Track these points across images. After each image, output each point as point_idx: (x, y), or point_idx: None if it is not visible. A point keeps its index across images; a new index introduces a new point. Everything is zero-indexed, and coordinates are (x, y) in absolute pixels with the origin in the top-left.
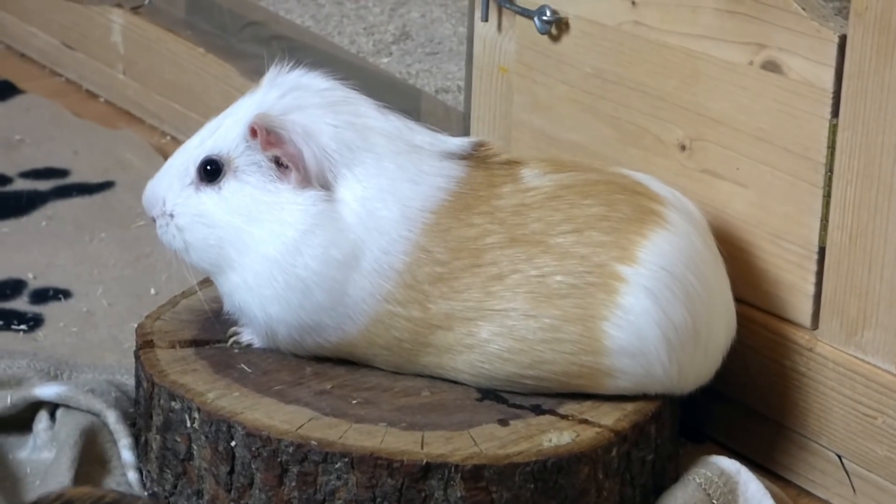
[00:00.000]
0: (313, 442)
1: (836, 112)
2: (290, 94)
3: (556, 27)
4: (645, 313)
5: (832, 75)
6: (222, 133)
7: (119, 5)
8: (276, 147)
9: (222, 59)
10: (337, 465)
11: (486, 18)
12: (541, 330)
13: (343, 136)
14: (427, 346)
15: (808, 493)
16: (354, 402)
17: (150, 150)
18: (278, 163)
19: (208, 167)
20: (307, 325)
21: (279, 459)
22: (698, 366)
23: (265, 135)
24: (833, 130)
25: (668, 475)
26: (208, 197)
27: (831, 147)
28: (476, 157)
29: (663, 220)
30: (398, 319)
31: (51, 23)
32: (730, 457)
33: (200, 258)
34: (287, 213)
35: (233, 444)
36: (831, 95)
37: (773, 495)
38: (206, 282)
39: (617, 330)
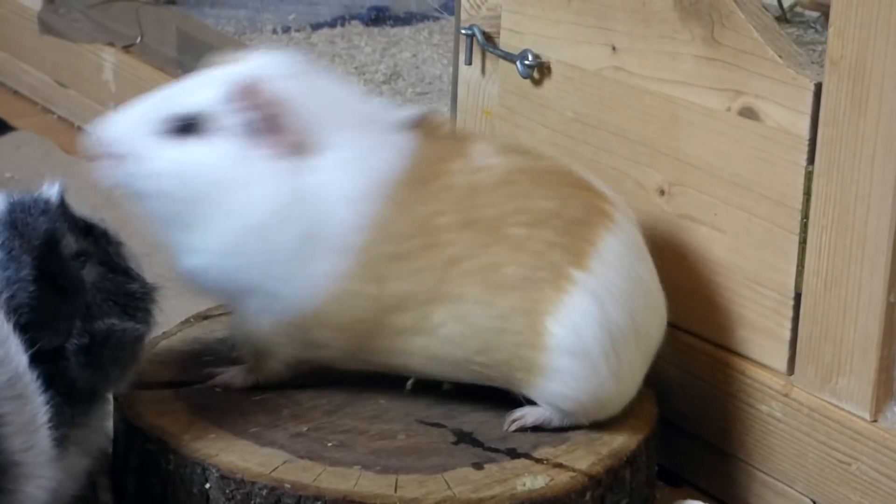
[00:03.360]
0: (287, 485)
1: (811, 159)
2: (268, 64)
3: (538, 71)
4: (589, 315)
5: (808, 122)
6: (200, 91)
7: (111, 43)
8: (260, 109)
9: None
10: None
11: (469, 62)
12: (490, 318)
13: (316, 106)
14: (382, 328)
15: None
16: (330, 444)
17: None
18: (256, 127)
19: (183, 122)
20: (264, 294)
21: (253, 502)
22: (635, 369)
23: (253, 95)
24: (809, 177)
25: None
26: (183, 152)
27: (807, 194)
28: (422, 129)
29: (612, 222)
30: (355, 298)
31: (44, 60)
32: (704, 500)
33: (163, 208)
34: (261, 184)
35: (207, 486)
36: (807, 142)
37: None
38: (186, 323)
39: (559, 327)
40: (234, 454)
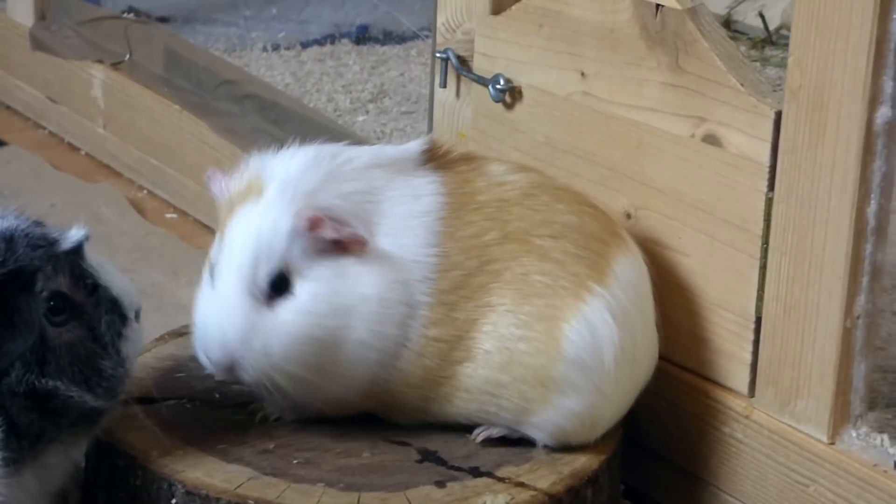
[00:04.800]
0: (250, 501)
1: (772, 186)
2: (288, 185)
3: (510, 95)
4: (603, 328)
5: (769, 150)
6: (260, 247)
7: (100, 60)
8: (333, 230)
9: (197, 116)
10: None
11: (444, 85)
12: (514, 325)
13: (356, 190)
14: (451, 366)
15: None
16: (295, 461)
17: (126, 204)
18: (327, 248)
19: (274, 282)
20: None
21: None
22: (626, 396)
23: (325, 222)
24: (769, 204)
25: None
26: (288, 310)
27: (767, 220)
28: (434, 157)
29: (626, 245)
30: (432, 344)
31: (35, 76)
32: None
33: (297, 369)
34: (371, 299)
35: (173, 501)
36: (768, 169)
37: None
38: (160, 340)
39: (575, 335)
40: (200, 470)
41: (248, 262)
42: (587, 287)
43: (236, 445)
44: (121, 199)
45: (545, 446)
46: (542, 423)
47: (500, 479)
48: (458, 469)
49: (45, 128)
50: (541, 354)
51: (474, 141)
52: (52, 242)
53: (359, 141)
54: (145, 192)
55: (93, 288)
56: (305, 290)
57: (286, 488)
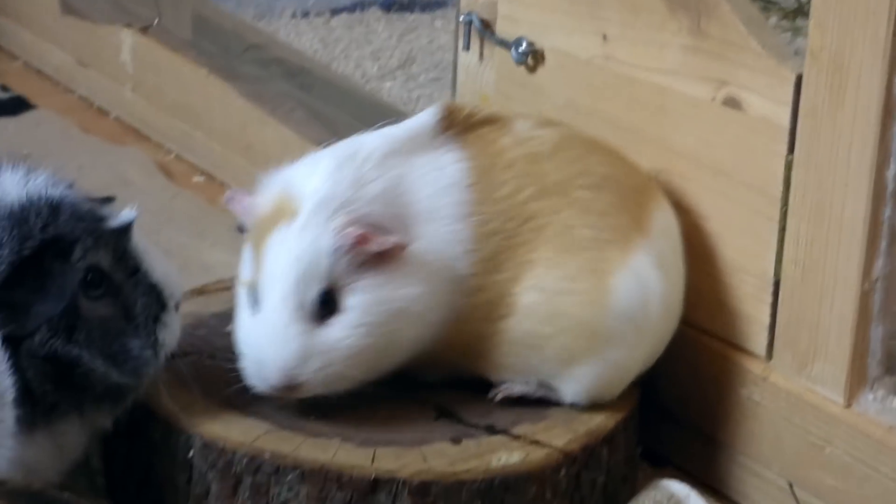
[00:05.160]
0: (266, 454)
1: (791, 149)
2: (322, 202)
3: (532, 59)
4: (649, 280)
5: (789, 113)
6: (303, 270)
7: (129, 25)
8: (378, 244)
9: (224, 80)
10: (288, 478)
11: (467, 48)
12: (560, 279)
13: (383, 190)
14: (494, 323)
15: None
16: (312, 416)
17: (153, 168)
18: (370, 260)
19: (323, 301)
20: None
21: (233, 470)
22: (653, 350)
23: (371, 238)
24: (788, 167)
25: (622, 497)
26: (340, 326)
27: (787, 183)
28: (453, 125)
29: (660, 195)
30: (477, 308)
31: (66, 40)
32: (683, 481)
33: (355, 374)
34: (411, 289)
35: (191, 454)
36: (787, 132)
37: None
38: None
39: (625, 289)
40: (217, 424)
41: (293, 285)
42: (632, 239)
43: (254, 400)
44: (148, 162)
45: (568, 405)
46: (581, 375)
47: (516, 437)
48: (474, 426)
49: (74, 91)
50: (588, 307)
51: (497, 104)
52: (99, 218)
53: (384, 107)
54: (173, 155)
55: (134, 269)
56: (354, 305)
57: (302, 442)
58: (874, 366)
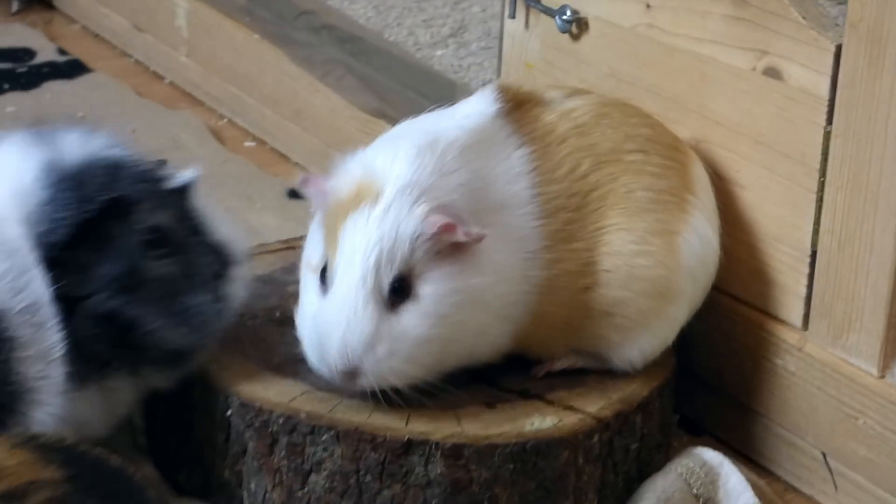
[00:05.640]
0: (302, 414)
1: (830, 119)
2: (406, 187)
3: (576, 27)
4: (707, 235)
5: (828, 83)
6: (383, 252)
7: None
8: (463, 234)
9: (276, 45)
10: (324, 438)
11: (513, 15)
12: (631, 242)
13: (464, 181)
14: (578, 294)
15: (794, 489)
16: None
17: (205, 132)
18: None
19: (396, 286)
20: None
21: (270, 430)
22: (701, 301)
23: (457, 227)
24: (827, 138)
25: (656, 464)
26: (412, 314)
27: (825, 154)
28: (507, 108)
29: (692, 152)
30: (557, 279)
31: (122, 5)
32: (718, 450)
33: (418, 370)
34: (486, 277)
35: (229, 413)
36: (827, 103)
37: (758, 489)
38: None
39: (689, 246)
40: (256, 384)
41: (372, 267)
42: (684, 198)
43: (293, 362)
44: (200, 126)
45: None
46: (644, 339)
47: (550, 402)
48: (509, 391)
49: (130, 56)
50: (661, 267)
51: (541, 72)
52: (160, 179)
53: (434, 75)
54: (225, 120)
55: (195, 229)
56: (428, 293)
57: (338, 403)
58: None
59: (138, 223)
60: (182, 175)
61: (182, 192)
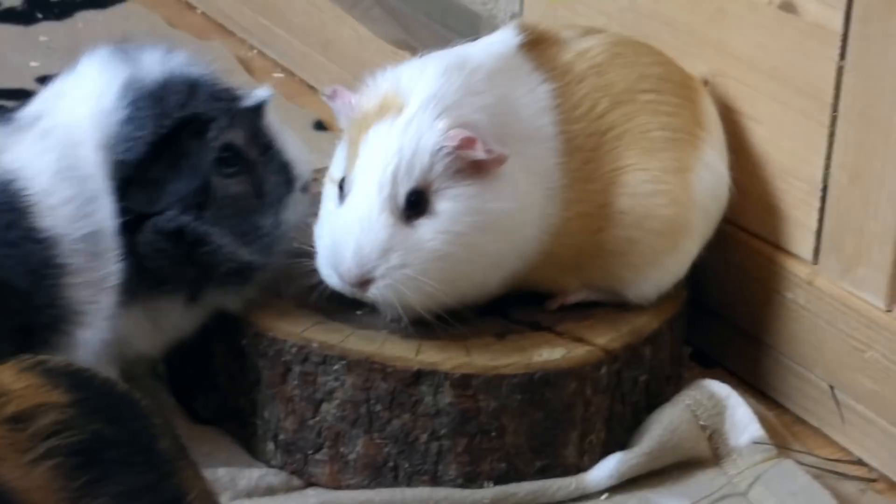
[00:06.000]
0: (315, 344)
1: (843, 54)
2: (430, 100)
3: None
4: (719, 169)
5: (842, 18)
6: (402, 163)
7: None
8: (484, 150)
9: None
10: (335, 367)
11: None
12: (646, 182)
13: (489, 103)
14: (592, 235)
15: (803, 421)
16: (359, 312)
17: (235, 63)
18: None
19: (413, 199)
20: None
21: (283, 359)
22: (712, 232)
23: (478, 142)
24: (839, 72)
25: (665, 396)
26: (427, 228)
27: (837, 88)
28: (527, 45)
29: (702, 88)
30: (574, 221)
31: None
32: (728, 382)
33: (430, 284)
34: (504, 203)
35: (244, 342)
36: (840, 38)
37: (765, 421)
38: None
39: (701, 182)
40: (270, 314)
41: (389, 176)
42: (697, 135)
43: (310, 293)
44: (230, 57)
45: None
46: (657, 275)
47: (560, 334)
48: (519, 322)
49: None
50: (675, 204)
51: (563, 6)
52: (235, 98)
53: (460, 8)
54: (255, 51)
55: (266, 148)
56: (445, 210)
57: (350, 334)
58: None
59: (213, 141)
60: (255, 94)
61: (255, 111)
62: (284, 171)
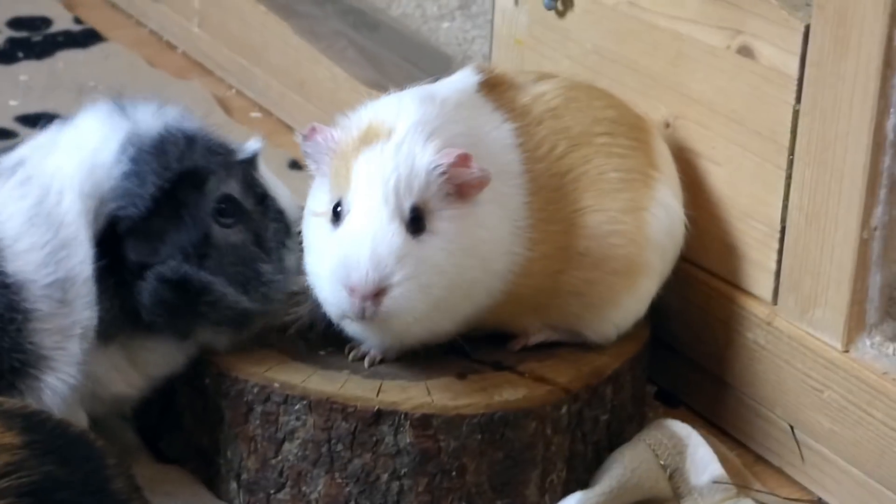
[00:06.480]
0: (276, 384)
1: (799, 98)
2: (417, 125)
3: (562, 3)
4: (673, 207)
5: (797, 63)
6: (401, 179)
7: None
8: (478, 168)
9: (281, 17)
10: (296, 407)
11: None
12: (604, 223)
13: (462, 132)
14: (552, 276)
15: (764, 460)
16: (322, 352)
17: (212, 103)
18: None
19: (414, 215)
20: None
21: (245, 399)
22: (669, 270)
23: (472, 159)
24: (795, 116)
25: (628, 435)
26: (430, 245)
27: (794, 131)
28: (486, 86)
29: (654, 129)
30: (537, 262)
31: None
32: (692, 422)
33: (421, 315)
34: (483, 231)
35: (207, 381)
36: (796, 82)
37: (726, 461)
38: None
39: (656, 220)
40: (233, 353)
41: (391, 190)
42: (650, 175)
43: (273, 331)
44: (208, 97)
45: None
46: (616, 314)
47: (521, 374)
48: (481, 362)
49: (145, 25)
50: (632, 244)
51: (529, 48)
52: (229, 151)
53: (432, 50)
54: (233, 91)
55: (262, 197)
56: (443, 229)
57: (312, 374)
58: (872, 312)
59: (211, 193)
60: (248, 146)
61: (249, 162)
62: (281, 219)
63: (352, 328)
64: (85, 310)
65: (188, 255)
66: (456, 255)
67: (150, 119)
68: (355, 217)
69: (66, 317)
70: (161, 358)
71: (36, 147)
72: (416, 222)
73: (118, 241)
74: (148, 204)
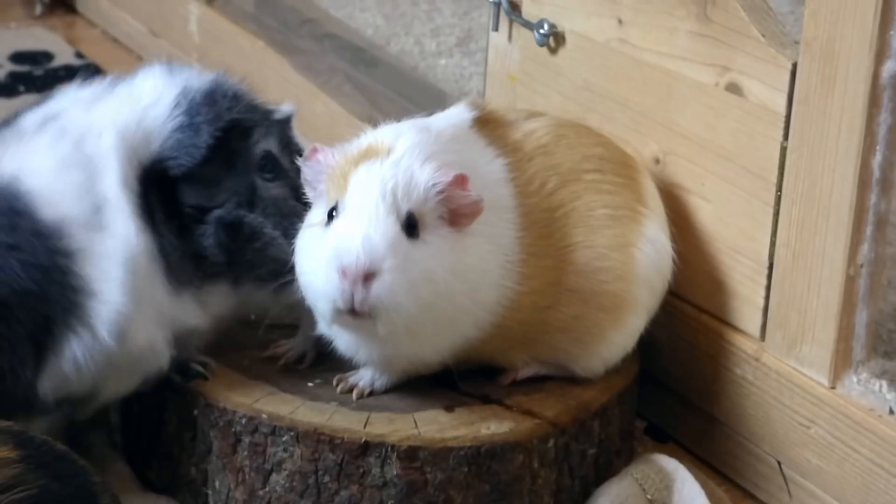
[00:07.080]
0: (264, 416)
1: (787, 135)
2: (415, 147)
3: (554, 40)
4: (661, 242)
5: (785, 100)
6: (398, 187)
7: None
8: (475, 191)
9: (280, 53)
10: (284, 438)
11: (496, 28)
12: (592, 259)
13: (454, 162)
14: (541, 312)
15: (752, 497)
16: (311, 384)
17: None
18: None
19: (410, 219)
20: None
21: (233, 429)
22: (657, 305)
23: (469, 181)
24: (783, 152)
25: (615, 469)
26: (421, 250)
27: (781, 168)
28: (479, 122)
29: (642, 166)
30: (526, 297)
31: (139, 9)
32: (681, 457)
33: (408, 317)
34: (471, 259)
35: (195, 412)
36: (783, 119)
37: (714, 497)
38: None
39: (644, 256)
40: (222, 385)
41: (389, 191)
42: (638, 211)
43: (261, 363)
44: None
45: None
46: (604, 349)
47: (508, 407)
48: (469, 395)
49: (145, 60)
50: (620, 280)
51: (521, 84)
52: (267, 110)
53: (429, 86)
54: None
55: (294, 158)
56: (436, 241)
57: (300, 405)
58: (859, 349)
59: (255, 144)
60: (284, 108)
61: (286, 121)
62: None
63: (343, 341)
64: (123, 233)
65: (240, 202)
66: (445, 271)
67: (193, 76)
68: (350, 212)
69: (105, 241)
70: (222, 298)
71: (74, 101)
72: (411, 226)
73: (174, 190)
74: (203, 152)
